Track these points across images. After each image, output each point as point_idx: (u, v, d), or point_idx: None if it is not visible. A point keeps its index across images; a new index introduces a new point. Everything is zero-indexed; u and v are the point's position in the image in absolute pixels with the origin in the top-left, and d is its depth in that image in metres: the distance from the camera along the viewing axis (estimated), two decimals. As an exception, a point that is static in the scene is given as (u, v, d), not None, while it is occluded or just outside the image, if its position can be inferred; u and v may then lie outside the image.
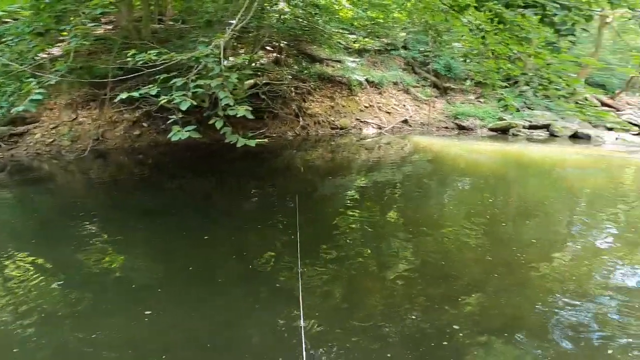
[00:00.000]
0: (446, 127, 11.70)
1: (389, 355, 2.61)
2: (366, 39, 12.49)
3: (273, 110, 9.63)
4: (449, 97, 13.04)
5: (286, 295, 3.28)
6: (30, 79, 4.01)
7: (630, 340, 2.76)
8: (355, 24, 10.78)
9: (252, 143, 3.41)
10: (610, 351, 2.65)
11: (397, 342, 2.75)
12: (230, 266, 3.93)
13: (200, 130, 3.65)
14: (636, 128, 12.90)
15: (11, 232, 4.91)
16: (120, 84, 7.76)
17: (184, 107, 3.17)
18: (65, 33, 4.24)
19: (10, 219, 5.46)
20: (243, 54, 9.40)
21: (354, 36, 12.05)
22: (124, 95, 3.50)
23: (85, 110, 9.05)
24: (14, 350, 2.69)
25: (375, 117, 11.26)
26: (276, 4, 8.60)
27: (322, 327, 2.89)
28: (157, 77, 3.53)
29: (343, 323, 2.97)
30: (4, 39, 5.28)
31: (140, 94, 3.45)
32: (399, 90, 12.50)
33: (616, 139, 11.16)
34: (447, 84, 13.30)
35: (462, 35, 8.50)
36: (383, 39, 13.71)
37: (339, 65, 11.98)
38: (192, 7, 8.78)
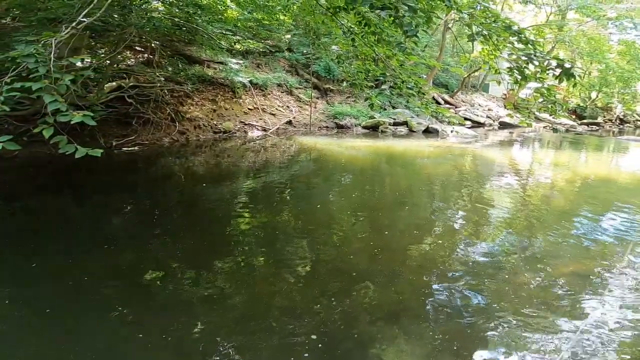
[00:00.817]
0: (327, 127, 12.24)
1: (295, 350, 2.63)
2: (250, 41, 12.31)
3: (144, 115, 8.72)
4: (328, 98, 13.67)
5: (178, 309, 3.08)
6: None
7: (486, 304, 3.19)
8: (240, 25, 10.50)
9: (96, 153, 2.97)
10: (479, 320, 2.99)
11: (301, 340, 2.75)
12: (102, 289, 3.39)
13: (44, 141, 2.99)
14: (469, 122, 15.75)
15: None
16: None
17: None
18: None
19: None
20: (103, 54, 8.29)
21: (238, 37, 11.76)
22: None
23: None
24: None
25: (260, 119, 11.14)
26: (146, 2, 7.81)
27: (222, 334, 2.82)
28: None
29: (245, 327, 2.89)
30: None
31: None
32: (282, 92, 12.61)
33: (451, 131, 13.27)
34: (327, 85, 13.94)
35: (336, 38, 8.99)
36: (268, 41, 13.72)
37: (221, 67, 11.53)
38: (28, 3, 7.33)
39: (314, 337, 2.80)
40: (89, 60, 7.75)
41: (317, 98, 13.25)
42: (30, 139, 7.25)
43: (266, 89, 12.15)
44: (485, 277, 3.64)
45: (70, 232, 4.68)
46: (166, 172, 7.65)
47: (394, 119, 13.41)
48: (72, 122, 3.05)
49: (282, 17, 11.58)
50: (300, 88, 13.18)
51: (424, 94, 5.61)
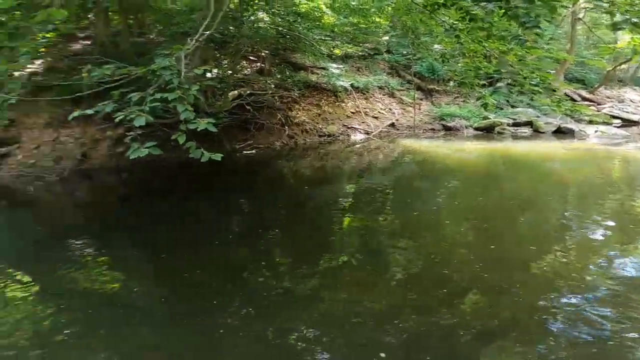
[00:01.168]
0: (433, 129, 11.73)
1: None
2: (348, 45, 12.52)
3: (259, 121, 9.50)
4: (434, 99, 13.10)
5: (280, 305, 3.21)
6: None
7: (619, 335, 2.68)
8: (337, 30, 10.78)
9: (217, 157, 3.34)
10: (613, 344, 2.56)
11: (396, 346, 2.67)
12: (223, 283, 3.79)
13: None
14: (617, 120, 13.14)
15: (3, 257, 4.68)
16: (98, 100, 7.55)
17: (137, 124, 3.07)
18: (22, 49, 4.04)
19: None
20: (225, 65, 9.29)
21: (336, 42, 12.07)
22: (76, 114, 3.39)
23: (66, 129, 8.74)
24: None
25: (363, 122, 11.22)
26: (253, 14, 8.52)
27: (320, 333, 2.85)
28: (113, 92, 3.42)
29: (342, 329, 2.89)
30: None
31: (96, 111, 3.34)
32: (384, 95, 12.51)
33: (595, 131, 11.33)
34: (431, 86, 13.37)
35: (437, 36, 8.58)
36: (366, 44, 13.79)
37: (323, 72, 11.95)
38: (164, 19, 8.61)
39: (399, 350, 2.64)
40: (216, 71, 8.76)
41: (421, 99, 12.82)
42: (175, 144, 8.53)
43: (367, 92, 12.20)
44: (623, 304, 3.03)
45: (196, 228, 5.36)
46: (277, 174, 8.23)
47: (514, 119, 12.15)
48: (198, 129, 3.43)
49: (377, 19, 11.51)
50: (402, 90, 12.92)
51: (554, 90, 5.01)
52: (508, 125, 11.79)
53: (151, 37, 9.36)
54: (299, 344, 2.77)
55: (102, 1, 4.16)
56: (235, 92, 9.31)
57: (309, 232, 5.02)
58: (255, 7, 8.27)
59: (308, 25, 9.44)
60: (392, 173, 7.87)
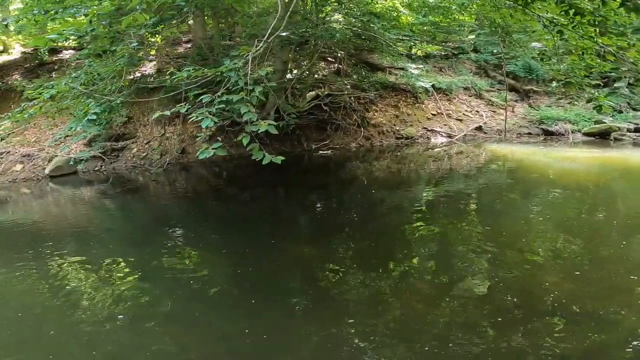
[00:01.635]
0: (529, 133, 10.42)
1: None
2: (429, 45, 11.87)
3: (336, 121, 9.42)
4: (531, 101, 11.72)
5: (342, 305, 3.15)
6: (89, 100, 4.16)
7: None
8: (415, 29, 10.26)
9: (278, 160, 3.28)
10: None
11: None
12: (290, 278, 3.82)
13: (269, 143, 3.56)
14: None
15: (111, 238, 5.42)
16: (198, 100, 8.28)
17: (204, 125, 3.09)
18: (119, 53, 4.37)
19: (112, 226, 6.10)
20: (304, 66, 9.42)
21: (415, 42, 11.52)
22: (156, 115, 3.55)
23: (171, 126, 9.72)
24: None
25: (445, 125, 10.46)
26: (328, 15, 8.49)
27: (380, 339, 2.75)
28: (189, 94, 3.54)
29: (400, 341, 2.75)
30: (86, 62, 5.72)
31: (172, 112, 3.48)
32: (470, 96, 11.56)
33: None
34: (528, 87, 12.00)
35: (534, 32, 7.55)
36: (448, 43, 12.97)
37: (402, 73, 11.49)
38: (241, 21, 9.05)
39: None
40: (295, 72, 8.92)
41: (515, 101, 11.56)
42: (259, 142, 9.07)
43: (451, 93, 11.38)
44: None
45: (271, 221, 5.58)
46: (352, 175, 8.05)
47: (636, 123, 10.28)
48: (259, 131, 3.35)
49: (461, 17, 10.66)
50: (492, 90, 11.82)
51: None
52: (628, 130, 9.95)
53: (238, 39, 9.94)
54: (345, 349, 2.66)
55: (184, 6, 4.37)
56: (313, 92, 9.37)
57: (379, 235, 4.85)
58: (329, 8, 8.24)
59: (384, 25, 9.12)
60: (476, 180, 7.11)
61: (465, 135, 10.19)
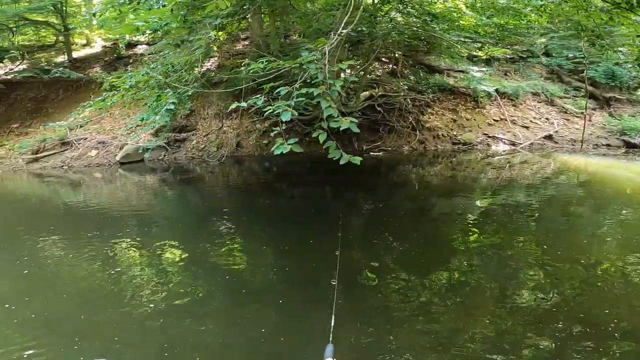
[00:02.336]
0: (608, 145, 9.36)
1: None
2: (494, 47, 11.13)
3: (389, 123, 9.18)
4: (613, 109, 10.54)
5: (376, 315, 3.03)
6: (167, 90, 4.34)
7: None
8: (480, 31, 9.65)
9: (356, 161, 3.15)
10: None
11: None
12: (330, 277, 3.69)
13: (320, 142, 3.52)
14: None
15: (166, 224, 5.81)
16: (254, 95, 8.59)
17: (284, 118, 3.01)
18: (196, 43, 4.53)
19: (168, 213, 6.54)
20: (358, 66, 9.29)
21: (479, 44, 10.86)
22: (233, 106, 3.59)
23: (228, 120, 10.19)
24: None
25: (508, 131, 9.75)
26: (387, 14, 8.27)
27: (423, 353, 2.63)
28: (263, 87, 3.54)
29: (457, 347, 2.66)
30: (160, 54, 6.04)
31: (249, 104, 3.47)
32: (540, 102, 10.67)
33: None
34: (610, 94, 10.80)
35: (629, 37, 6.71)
36: (516, 46, 12.07)
37: (462, 76, 10.91)
38: (311, 24, 9.13)
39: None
40: (348, 72, 8.83)
41: (593, 109, 10.48)
42: (310, 140, 9.26)
43: (517, 98, 10.58)
44: None
45: (317, 219, 5.58)
46: (403, 179, 7.79)
47: None
48: (341, 128, 3.24)
49: (532, 19, 9.78)
50: (566, 97, 10.81)
51: None
52: None
53: (294, 38, 10.09)
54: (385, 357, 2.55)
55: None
56: (367, 92, 9.21)
57: (427, 242, 4.65)
58: (388, 7, 8.02)
59: (445, 27, 8.70)
60: (540, 192, 6.51)
61: (532, 143, 9.41)
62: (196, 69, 5.17)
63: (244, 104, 3.54)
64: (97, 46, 15.10)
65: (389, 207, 6.08)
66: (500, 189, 6.76)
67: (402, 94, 9.53)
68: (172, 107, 4.02)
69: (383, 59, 10.63)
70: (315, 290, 3.49)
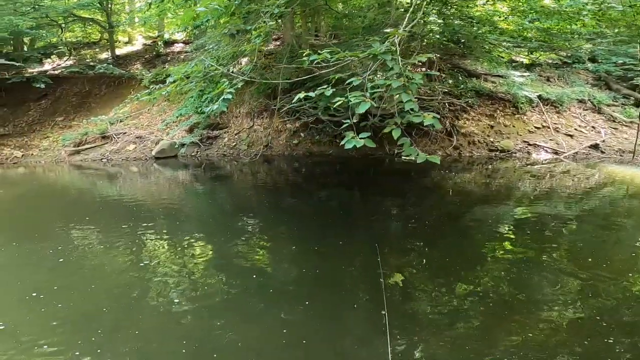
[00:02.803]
0: (661, 157, 8.69)
1: None
2: (536, 52, 10.61)
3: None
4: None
5: (412, 321, 2.98)
6: (224, 80, 4.36)
7: None
8: (526, 34, 9.20)
9: (435, 160, 3.02)
10: None
11: None
12: (355, 283, 3.72)
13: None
14: None
15: (196, 219, 5.91)
16: (287, 95, 8.68)
17: (362, 110, 2.90)
18: (255, 32, 4.49)
19: (198, 208, 6.67)
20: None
21: (520, 49, 10.38)
22: (301, 95, 3.48)
23: (259, 119, 10.30)
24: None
25: (550, 139, 9.26)
26: (426, 17, 8.05)
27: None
28: (313, 84, 3.45)
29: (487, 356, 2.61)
30: (205, 47, 6.15)
31: (316, 94, 3.36)
32: (585, 110, 10.08)
33: None
34: (663, 102, 10.06)
35: None
36: (560, 52, 11.47)
37: (501, 81, 10.47)
38: (343, 24, 9.10)
39: None
40: (381, 73, 8.67)
41: (644, 118, 9.78)
42: (339, 142, 9.21)
43: (561, 105, 10.04)
44: None
45: (342, 221, 5.52)
46: (434, 185, 7.56)
47: None
48: (424, 125, 3.12)
49: (586, 24, 9.20)
50: (614, 105, 10.15)
51: None
52: None
53: (324, 39, 10.04)
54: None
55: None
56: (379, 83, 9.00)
57: (456, 250, 4.48)
58: (428, 10, 7.81)
59: (486, 30, 8.37)
60: (582, 204, 6.13)
61: (576, 153, 8.89)
62: (255, 57, 5.06)
63: (311, 94, 3.36)
64: (138, 44, 15.69)
65: (418, 212, 5.93)
66: (538, 198, 6.43)
67: (438, 97, 9.25)
68: (229, 96, 3.97)
69: (417, 62, 10.37)
70: (334, 295, 3.45)
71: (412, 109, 2.77)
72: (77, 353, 2.64)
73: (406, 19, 3.92)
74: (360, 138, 2.81)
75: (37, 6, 12.07)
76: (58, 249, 4.40)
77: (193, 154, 9.93)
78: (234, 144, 10.10)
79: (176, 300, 3.30)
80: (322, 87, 3.22)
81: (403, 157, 8.93)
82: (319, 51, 3.39)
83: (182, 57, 13.74)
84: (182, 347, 2.71)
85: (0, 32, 10.55)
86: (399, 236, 4.98)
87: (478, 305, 3.23)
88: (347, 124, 3.12)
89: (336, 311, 3.19)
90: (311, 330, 2.92)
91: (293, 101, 3.76)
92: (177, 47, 14.73)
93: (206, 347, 2.71)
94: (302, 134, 9.91)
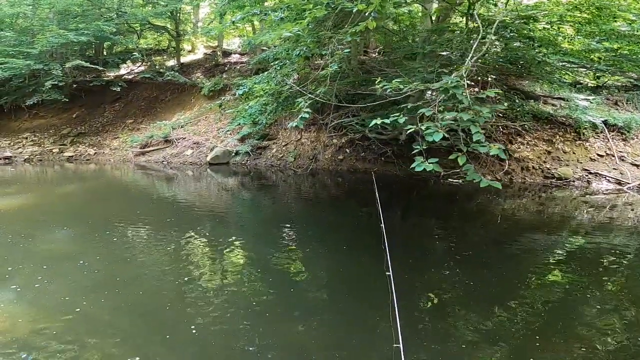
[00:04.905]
0: None
1: None
2: (605, 74, 9.91)
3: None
4: None
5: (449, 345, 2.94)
6: (299, 99, 4.67)
7: None
8: (593, 57, 8.67)
9: (497, 185, 3.20)
10: None
11: None
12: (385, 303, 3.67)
13: (395, 163, 3.55)
14: None
15: (239, 225, 6.30)
16: (336, 111, 8.91)
17: (437, 139, 3.15)
18: (331, 59, 4.76)
19: (242, 215, 7.08)
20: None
21: (585, 70, 9.76)
22: (378, 121, 3.72)
23: (307, 133, 10.64)
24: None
25: (614, 168, 8.63)
26: (484, 38, 7.87)
27: None
28: (390, 105, 3.60)
29: None
30: (272, 63, 6.56)
31: (391, 122, 3.60)
32: (657, 138, 9.27)
33: None
34: None
35: None
36: (631, 74, 10.64)
37: (562, 104, 9.92)
38: (393, 41, 9.16)
39: None
40: (430, 92, 8.61)
41: None
42: (385, 160, 9.31)
43: (629, 132, 9.31)
44: None
45: (381, 243, 5.39)
46: (480, 209, 7.37)
47: None
48: (490, 154, 3.27)
49: None
50: (692, 134, 9.25)
51: None
52: None
53: (373, 56, 10.12)
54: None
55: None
56: (451, 114, 8.86)
57: (496, 275, 4.39)
58: (485, 30, 7.65)
59: (548, 52, 8.00)
60: (644, 239, 5.70)
61: (642, 185, 8.23)
62: (327, 80, 5.36)
63: (387, 120, 3.65)
64: (199, 53, 16.77)
65: (460, 236, 5.82)
66: (595, 230, 6.06)
67: (491, 120, 8.99)
68: (306, 115, 4.24)
69: (469, 82, 10.14)
70: (361, 315, 3.48)
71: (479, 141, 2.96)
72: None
73: (472, 51, 3.97)
74: (430, 162, 3.03)
75: (120, 12, 13.30)
76: (113, 240, 4.93)
77: (243, 162, 10.46)
78: (282, 155, 10.49)
79: (212, 303, 3.55)
80: (395, 114, 3.45)
81: (449, 180, 8.78)
82: (386, 79, 3.57)
83: (237, 67, 14.48)
84: (215, 349, 2.95)
85: (87, 37, 11.68)
86: (438, 259, 4.94)
87: (516, 331, 3.22)
88: (417, 149, 3.33)
89: (357, 326, 3.25)
90: (342, 345, 3.01)
91: (370, 125, 3.96)
92: (234, 58, 15.55)
93: (234, 348, 2.93)
94: (347, 150, 10.07)
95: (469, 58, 3.67)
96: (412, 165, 3.13)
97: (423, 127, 3.17)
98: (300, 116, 4.11)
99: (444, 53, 7.36)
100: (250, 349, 2.98)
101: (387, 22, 9.10)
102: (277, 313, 3.49)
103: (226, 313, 3.45)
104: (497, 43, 8.09)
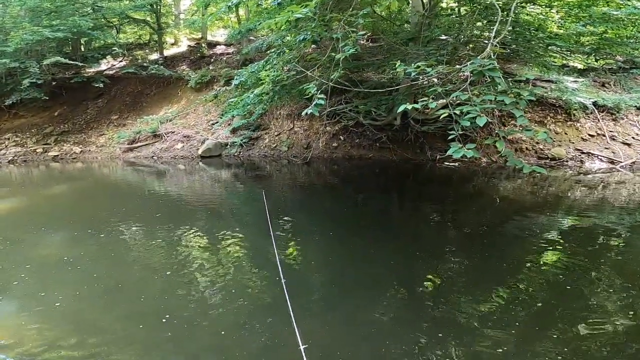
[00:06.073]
0: None
1: None
2: (592, 58, 10.02)
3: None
4: None
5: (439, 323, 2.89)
6: (309, 85, 4.42)
7: None
8: (582, 40, 8.73)
9: (542, 170, 3.17)
10: None
11: None
12: (386, 290, 3.71)
13: (391, 148, 3.49)
14: None
15: (232, 218, 6.14)
16: (329, 99, 8.80)
17: (481, 123, 3.06)
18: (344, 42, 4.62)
19: (236, 207, 6.93)
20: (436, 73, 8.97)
21: (573, 54, 9.85)
22: (409, 106, 3.60)
23: (299, 122, 10.48)
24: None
25: (606, 148, 8.75)
26: (473, 23, 7.84)
27: None
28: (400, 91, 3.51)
29: None
30: (268, 52, 6.32)
31: (422, 106, 3.52)
32: (645, 117, 9.42)
33: None
34: None
35: None
36: (617, 57, 10.80)
37: (552, 86, 9.99)
38: (380, 27, 9.06)
39: None
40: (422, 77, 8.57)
41: None
42: (381, 145, 9.24)
43: (618, 112, 9.44)
44: None
45: (379, 229, 5.44)
46: (476, 192, 7.39)
47: None
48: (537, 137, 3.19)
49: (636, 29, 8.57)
50: (678, 112, 9.43)
51: None
52: None
53: (361, 43, 10.01)
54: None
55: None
56: (443, 100, 8.84)
57: (492, 257, 4.44)
58: (475, 15, 7.64)
59: (538, 35, 8.03)
60: (637, 216, 5.79)
61: (634, 162, 8.35)
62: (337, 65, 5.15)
63: (417, 105, 3.62)
64: (183, 45, 16.35)
65: (457, 220, 5.83)
66: (589, 209, 6.13)
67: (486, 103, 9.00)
68: (322, 102, 4.05)
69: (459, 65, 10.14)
70: (365, 302, 3.46)
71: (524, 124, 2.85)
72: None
73: (494, 32, 3.90)
74: (468, 149, 2.97)
75: (96, 7, 12.83)
76: (101, 237, 4.76)
77: (236, 154, 10.27)
78: (275, 145, 10.33)
79: (207, 297, 3.47)
80: (424, 99, 3.39)
81: (445, 164, 8.79)
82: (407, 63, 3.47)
83: (224, 58, 14.18)
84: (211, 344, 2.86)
85: (64, 33, 11.22)
86: (436, 242, 4.93)
87: (517, 312, 3.21)
88: (453, 135, 3.25)
89: (369, 313, 3.23)
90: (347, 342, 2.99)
91: (398, 110, 3.87)
92: (220, 49, 15.21)
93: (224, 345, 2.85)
94: (341, 137, 9.98)
95: (491, 40, 3.59)
96: (449, 152, 3.07)
97: (457, 112, 3.10)
98: (315, 102, 3.98)
99: (443, 37, 7.31)
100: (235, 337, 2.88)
101: (379, 5, 8.99)
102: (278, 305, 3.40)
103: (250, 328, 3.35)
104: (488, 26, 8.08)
